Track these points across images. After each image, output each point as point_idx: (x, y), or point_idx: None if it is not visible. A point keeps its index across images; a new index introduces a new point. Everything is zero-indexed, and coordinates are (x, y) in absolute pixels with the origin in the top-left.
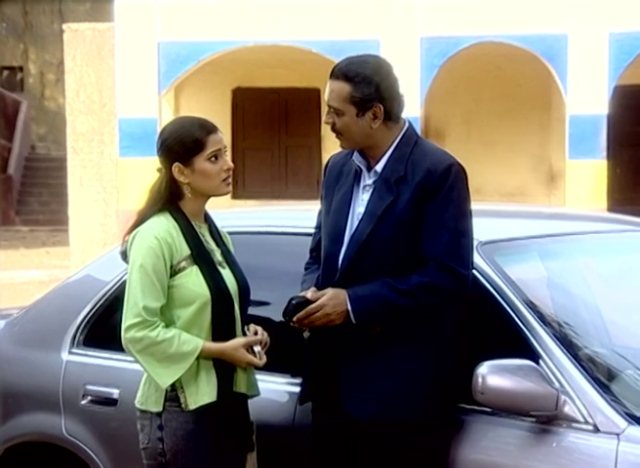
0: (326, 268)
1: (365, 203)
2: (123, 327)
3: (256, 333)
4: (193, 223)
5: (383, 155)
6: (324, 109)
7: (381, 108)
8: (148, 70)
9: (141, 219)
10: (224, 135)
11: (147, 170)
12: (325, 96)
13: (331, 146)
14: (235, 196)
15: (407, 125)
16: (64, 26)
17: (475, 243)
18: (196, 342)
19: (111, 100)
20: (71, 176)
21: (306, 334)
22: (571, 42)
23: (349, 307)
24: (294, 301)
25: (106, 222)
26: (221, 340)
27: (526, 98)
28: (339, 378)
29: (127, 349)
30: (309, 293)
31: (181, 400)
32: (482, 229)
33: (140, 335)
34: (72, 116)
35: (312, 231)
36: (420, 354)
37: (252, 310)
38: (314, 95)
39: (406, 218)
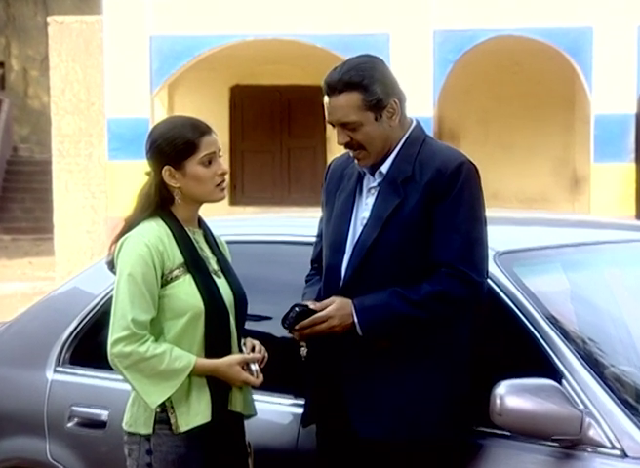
0: (327, 280)
1: (370, 207)
2: (110, 341)
3: (253, 349)
4: (187, 229)
5: (389, 155)
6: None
7: (397, 102)
8: (140, 67)
9: (129, 226)
10: (222, 135)
11: (138, 174)
12: (329, 116)
13: (336, 148)
14: (233, 202)
15: (414, 123)
16: (49, 19)
17: (493, 253)
18: (189, 358)
19: (100, 99)
20: (57, 181)
21: (304, 351)
22: (596, 36)
23: (355, 319)
24: (297, 309)
25: (94, 230)
26: (215, 356)
27: (547, 97)
28: (344, 397)
29: (114, 365)
30: (311, 305)
31: (172, 421)
32: (500, 238)
33: (128, 350)
34: (58, 116)
35: (314, 240)
36: (433, 368)
37: (250, 324)
38: (318, 93)
39: (414, 222)
